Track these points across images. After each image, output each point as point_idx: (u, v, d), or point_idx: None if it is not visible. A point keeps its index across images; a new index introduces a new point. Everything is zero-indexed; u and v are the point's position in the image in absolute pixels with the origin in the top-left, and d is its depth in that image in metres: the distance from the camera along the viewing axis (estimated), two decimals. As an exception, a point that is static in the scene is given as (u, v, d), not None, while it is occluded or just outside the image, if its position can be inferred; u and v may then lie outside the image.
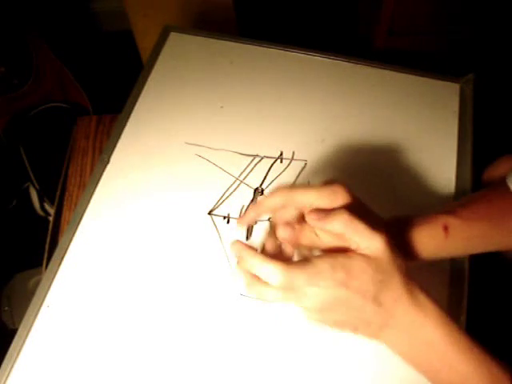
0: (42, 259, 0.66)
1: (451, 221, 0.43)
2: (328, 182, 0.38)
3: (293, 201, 0.38)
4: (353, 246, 0.35)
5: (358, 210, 0.36)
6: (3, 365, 0.45)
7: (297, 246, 0.40)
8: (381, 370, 0.44)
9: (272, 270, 0.34)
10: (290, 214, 0.39)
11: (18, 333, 0.46)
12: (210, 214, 0.53)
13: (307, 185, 0.45)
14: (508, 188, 0.44)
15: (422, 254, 0.43)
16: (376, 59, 0.65)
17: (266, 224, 0.52)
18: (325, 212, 0.36)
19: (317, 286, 0.34)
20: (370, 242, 0.34)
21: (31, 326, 0.46)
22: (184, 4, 1.06)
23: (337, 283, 0.34)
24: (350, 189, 0.37)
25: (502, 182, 0.45)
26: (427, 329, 0.35)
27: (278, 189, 0.39)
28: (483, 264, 0.51)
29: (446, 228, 0.43)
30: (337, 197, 0.37)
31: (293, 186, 0.45)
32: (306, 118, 0.60)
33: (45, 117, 1.08)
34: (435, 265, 0.46)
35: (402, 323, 0.35)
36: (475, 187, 0.55)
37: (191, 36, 0.69)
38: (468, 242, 0.44)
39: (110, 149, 0.58)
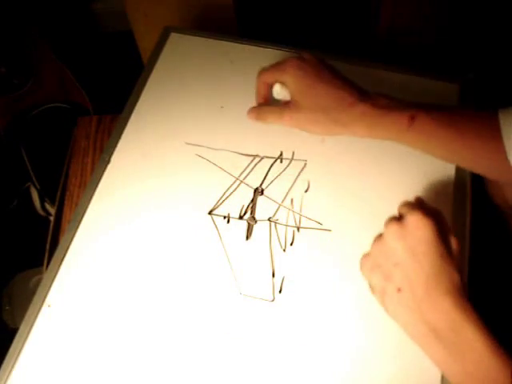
0: (43, 259, 0.66)
1: (421, 114, 0.45)
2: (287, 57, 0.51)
3: (266, 80, 0.53)
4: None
5: (314, 78, 0.47)
6: (4, 364, 0.45)
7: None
8: (380, 370, 0.44)
9: None
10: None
11: (19, 332, 0.46)
12: (210, 213, 0.53)
13: (273, 64, 0.53)
14: (496, 116, 0.45)
15: (381, 134, 0.47)
16: (376, 59, 0.65)
17: (266, 224, 0.52)
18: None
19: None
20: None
21: (32, 325, 0.47)
22: (184, 4, 1.06)
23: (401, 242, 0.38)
24: (311, 58, 0.49)
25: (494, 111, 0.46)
26: (467, 329, 0.35)
27: (257, 75, 0.54)
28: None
29: (412, 118, 0.44)
30: (288, 70, 0.50)
31: (264, 67, 0.53)
32: (306, 118, 0.60)
33: (45, 117, 1.09)
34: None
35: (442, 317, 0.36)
36: (474, 186, 0.55)
37: (191, 36, 0.69)
38: (428, 143, 0.47)
39: (111, 149, 0.58)
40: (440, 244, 0.37)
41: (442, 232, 0.38)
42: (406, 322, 0.38)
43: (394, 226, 0.38)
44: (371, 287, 0.41)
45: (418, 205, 0.41)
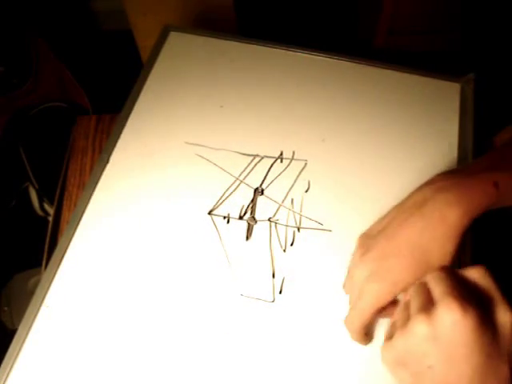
0: (42, 259, 0.66)
1: (499, 176, 0.39)
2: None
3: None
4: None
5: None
6: (3, 365, 0.45)
7: None
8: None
9: None
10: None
11: (18, 333, 0.46)
12: (209, 213, 0.53)
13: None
14: None
15: (475, 212, 0.38)
16: (376, 59, 0.65)
17: (266, 224, 0.52)
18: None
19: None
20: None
21: (31, 326, 0.46)
22: (184, 3, 1.05)
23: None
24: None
25: None
26: None
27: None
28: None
29: (495, 185, 0.39)
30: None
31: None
32: (307, 117, 0.60)
33: (44, 116, 1.08)
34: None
35: None
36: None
37: (191, 35, 0.69)
38: None
39: (110, 148, 0.58)
40: (484, 340, 0.31)
41: (487, 315, 0.32)
42: None
43: (424, 326, 0.31)
44: (398, 381, 0.35)
45: (454, 287, 0.33)
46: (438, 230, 0.37)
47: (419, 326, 0.32)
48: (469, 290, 0.33)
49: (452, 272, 0.35)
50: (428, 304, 0.33)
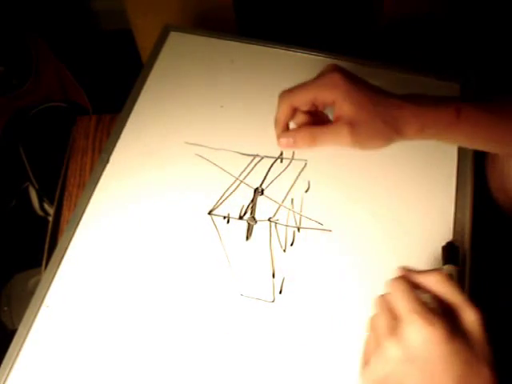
0: (42, 259, 0.66)
1: (464, 105, 0.42)
2: (322, 73, 0.42)
3: (297, 103, 0.42)
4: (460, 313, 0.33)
5: (361, 89, 0.40)
6: (3, 365, 0.45)
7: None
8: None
9: None
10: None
11: (18, 333, 0.46)
12: (209, 213, 0.53)
13: (304, 83, 0.43)
14: None
15: (431, 132, 0.42)
16: (376, 58, 0.65)
17: (266, 224, 0.52)
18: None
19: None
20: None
21: (31, 326, 0.46)
22: (184, 3, 1.05)
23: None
24: (343, 69, 0.41)
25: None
26: None
27: (280, 98, 0.43)
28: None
29: (458, 109, 0.41)
30: (336, 85, 0.41)
31: (290, 88, 0.44)
32: (307, 117, 0.60)
33: (44, 116, 1.08)
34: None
35: None
36: (476, 184, 0.55)
37: (191, 35, 0.69)
38: (475, 133, 0.43)
39: (110, 148, 0.58)
40: (458, 348, 0.31)
41: (454, 321, 0.32)
42: None
43: (396, 350, 0.32)
44: None
45: (415, 301, 0.33)
46: None
47: (391, 350, 0.32)
48: (431, 299, 0.33)
49: (410, 283, 0.35)
50: (394, 321, 0.33)
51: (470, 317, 0.32)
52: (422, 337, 0.31)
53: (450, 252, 0.46)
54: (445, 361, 0.31)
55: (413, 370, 0.32)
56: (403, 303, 0.33)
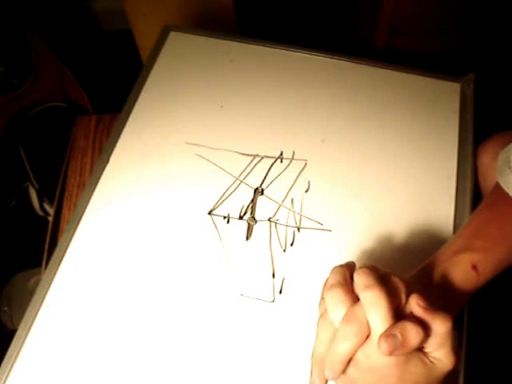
0: (42, 259, 0.66)
1: (476, 258, 0.41)
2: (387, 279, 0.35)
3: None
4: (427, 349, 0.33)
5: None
6: (3, 365, 0.45)
7: None
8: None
9: None
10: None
11: (18, 333, 0.46)
12: (209, 213, 0.53)
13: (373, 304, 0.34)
14: (507, 196, 0.43)
15: (461, 300, 0.41)
16: (376, 59, 0.65)
17: (266, 224, 0.52)
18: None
19: None
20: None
21: (31, 326, 0.46)
22: (184, 3, 1.05)
23: None
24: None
25: (497, 186, 0.44)
26: None
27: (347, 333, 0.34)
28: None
29: (474, 267, 0.41)
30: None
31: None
32: (306, 117, 0.60)
33: (44, 116, 1.08)
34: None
35: None
36: (476, 186, 0.55)
37: (191, 35, 0.69)
38: (496, 270, 0.42)
39: (110, 148, 0.58)
40: (402, 360, 0.32)
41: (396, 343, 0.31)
42: None
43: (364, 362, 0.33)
44: None
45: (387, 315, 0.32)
46: None
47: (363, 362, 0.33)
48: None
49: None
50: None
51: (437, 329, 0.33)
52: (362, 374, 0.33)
53: None
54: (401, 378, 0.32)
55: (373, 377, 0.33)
56: (373, 314, 0.33)
